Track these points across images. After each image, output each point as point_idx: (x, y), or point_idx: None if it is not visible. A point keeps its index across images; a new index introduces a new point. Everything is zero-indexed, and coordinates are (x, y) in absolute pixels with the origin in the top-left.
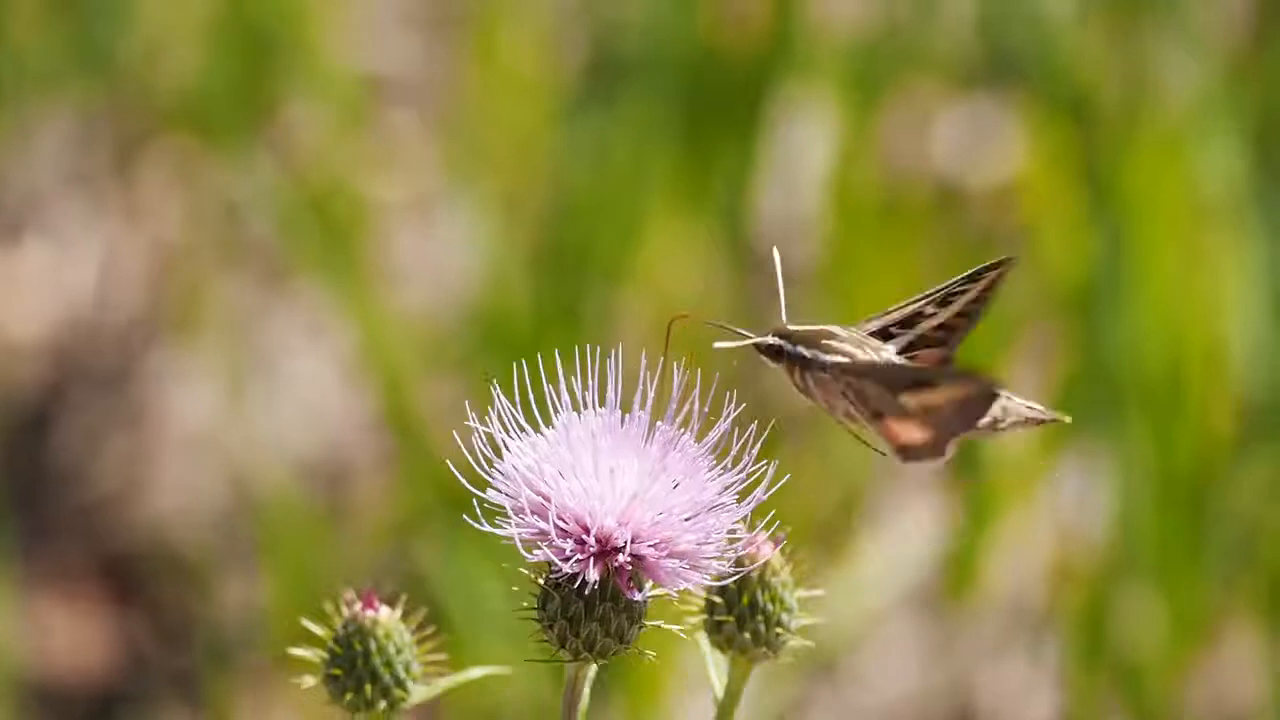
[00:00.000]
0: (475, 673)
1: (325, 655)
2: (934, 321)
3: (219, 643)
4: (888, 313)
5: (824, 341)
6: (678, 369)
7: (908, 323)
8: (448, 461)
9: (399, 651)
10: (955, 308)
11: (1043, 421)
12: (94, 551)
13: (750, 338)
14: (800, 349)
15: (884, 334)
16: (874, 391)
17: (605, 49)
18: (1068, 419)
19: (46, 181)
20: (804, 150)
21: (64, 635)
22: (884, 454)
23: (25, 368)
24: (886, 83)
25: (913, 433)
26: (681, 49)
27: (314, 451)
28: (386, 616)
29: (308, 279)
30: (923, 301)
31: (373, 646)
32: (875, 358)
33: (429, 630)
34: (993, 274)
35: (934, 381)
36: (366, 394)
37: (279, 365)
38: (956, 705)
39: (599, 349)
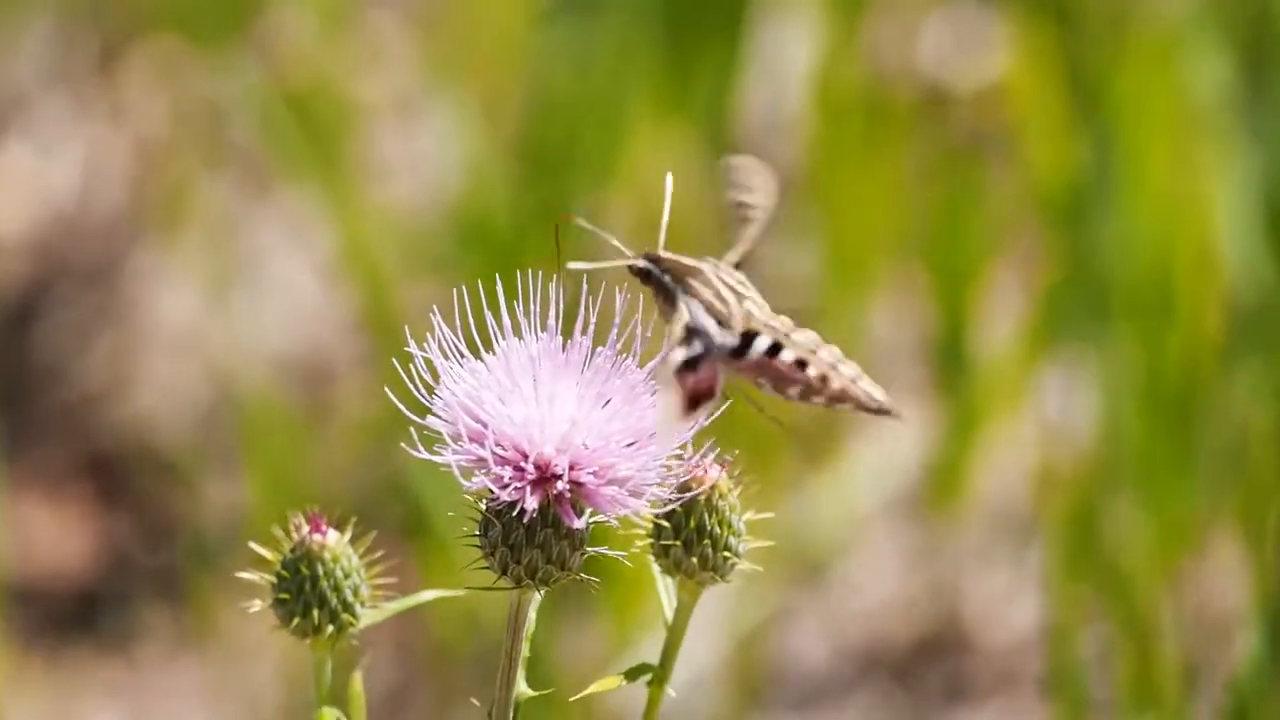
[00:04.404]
0: (425, 596)
1: (273, 580)
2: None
3: (201, 542)
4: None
5: (689, 280)
6: (620, 292)
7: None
8: (387, 389)
9: (347, 576)
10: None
11: (878, 411)
12: (76, 450)
13: (627, 256)
14: (667, 279)
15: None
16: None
17: None
18: (903, 415)
19: (30, 80)
20: (789, 51)
21: (46, 534)
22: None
23: (8, 266)
24: None
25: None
26: None
27: (295, 351)
28: (334, 541)
29: (290, 179)
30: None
31: (320, 571)
32: (739, 309)
33: (379, 553)
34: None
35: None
36: (348, 294)
37: (261, 265)
38: (941, 611)
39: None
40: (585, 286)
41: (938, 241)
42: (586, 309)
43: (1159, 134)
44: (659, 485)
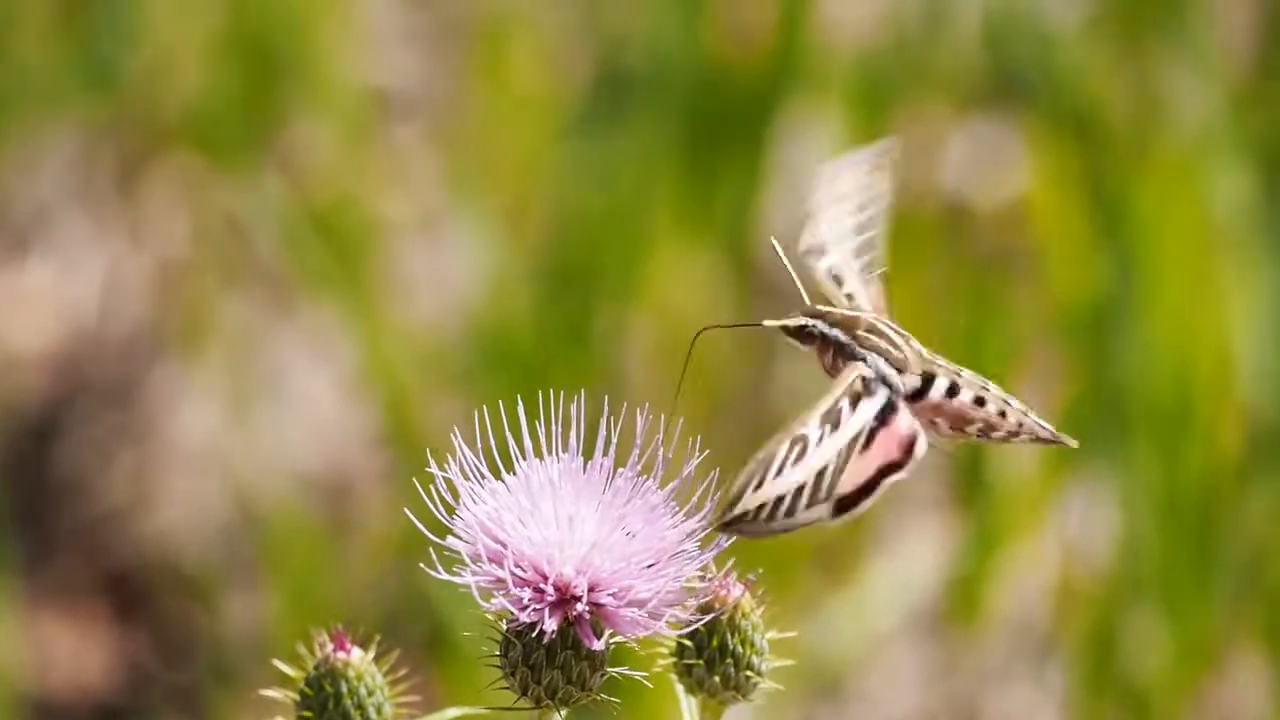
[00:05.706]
0: (448, 714)
1: (295, 697)
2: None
3: (222, 658)
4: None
5: (859, 332)
6: (642, 413)
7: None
8: (407, 510)
9: (370, 694)
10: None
11: (1051, 441)
12: (96, 566)
13: (781, 321)
14: (838, 333)
15: None
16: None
17: (610, 65)
18: (1074, 443)
19: (51, 198)
20: (810, 168)
21: (65, 651)
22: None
23: (29, 383)
24: (893, 100)
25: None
26: (687, 65)
27: (318, 467)
28: (358, 658)
29: (312, 295)
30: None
31: (343, 689)
32: (911, 351)
33: (402, 671)
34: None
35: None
36: (370, 410)
37: (283, 381)
38: None
39: (567, 395)
40: (606, 407)
41: (958, 359)
42: (608, 429)
43: (1180, 251)
44: (679, 607)
